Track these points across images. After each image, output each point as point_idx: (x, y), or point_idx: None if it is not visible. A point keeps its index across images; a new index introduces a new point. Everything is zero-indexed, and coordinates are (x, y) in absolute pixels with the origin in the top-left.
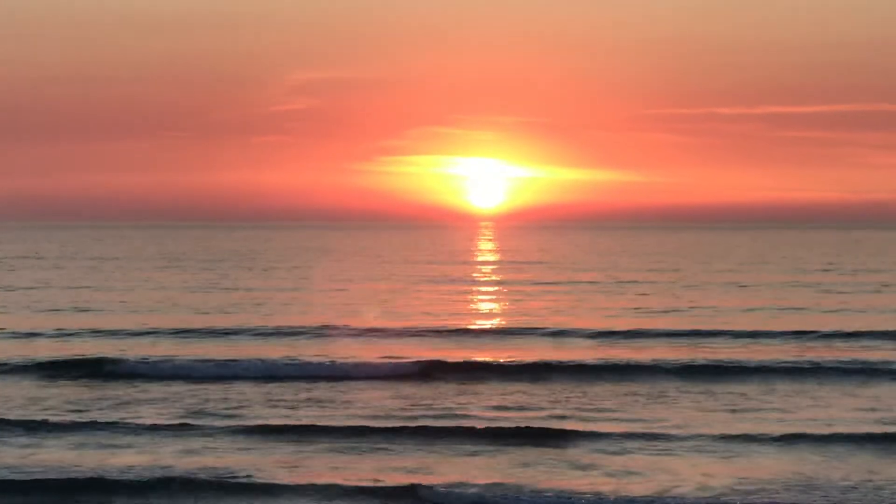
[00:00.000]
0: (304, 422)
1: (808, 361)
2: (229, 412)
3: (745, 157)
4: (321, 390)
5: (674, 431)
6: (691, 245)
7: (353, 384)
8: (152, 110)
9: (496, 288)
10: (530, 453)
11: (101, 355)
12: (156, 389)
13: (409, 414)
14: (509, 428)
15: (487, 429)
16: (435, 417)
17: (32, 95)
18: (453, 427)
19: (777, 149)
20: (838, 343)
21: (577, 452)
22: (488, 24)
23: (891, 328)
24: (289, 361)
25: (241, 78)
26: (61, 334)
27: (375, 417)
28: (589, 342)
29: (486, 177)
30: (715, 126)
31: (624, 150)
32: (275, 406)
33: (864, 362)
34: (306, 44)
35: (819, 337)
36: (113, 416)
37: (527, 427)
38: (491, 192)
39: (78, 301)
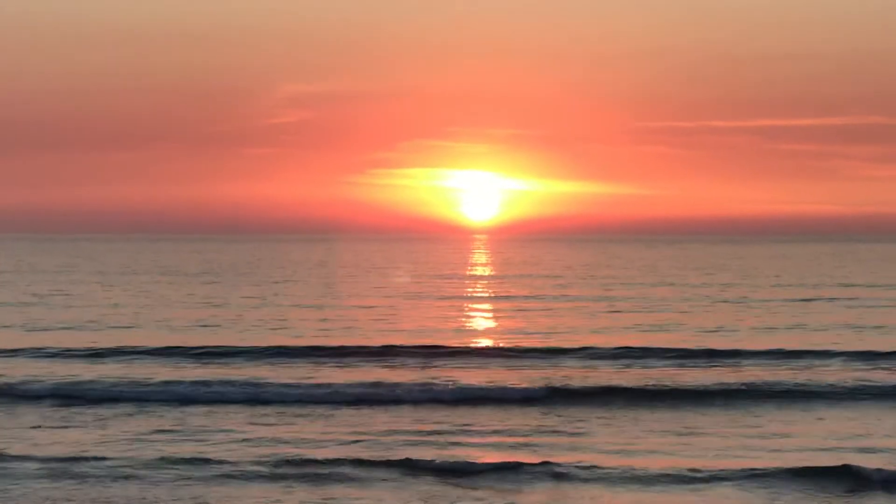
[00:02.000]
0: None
1: (791, 383)
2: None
3: (739, 169)
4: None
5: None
6: (688, 259)
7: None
8: (144, 122)
9: (497, 304)
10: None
11: None
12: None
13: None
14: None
15: (407, 460)
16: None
17: (25, 108)
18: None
19: (771, 161)
20: (819, 364)
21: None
22: (481, 36)
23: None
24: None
25: (234, 90)
26: None
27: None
28: (595, 363)
29: (479, 189)
30: (709, 139)
31: (618, 163)
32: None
33: (867, 383)
34: (299, 56)
35: (797, 356)
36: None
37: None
38: (485, 205)
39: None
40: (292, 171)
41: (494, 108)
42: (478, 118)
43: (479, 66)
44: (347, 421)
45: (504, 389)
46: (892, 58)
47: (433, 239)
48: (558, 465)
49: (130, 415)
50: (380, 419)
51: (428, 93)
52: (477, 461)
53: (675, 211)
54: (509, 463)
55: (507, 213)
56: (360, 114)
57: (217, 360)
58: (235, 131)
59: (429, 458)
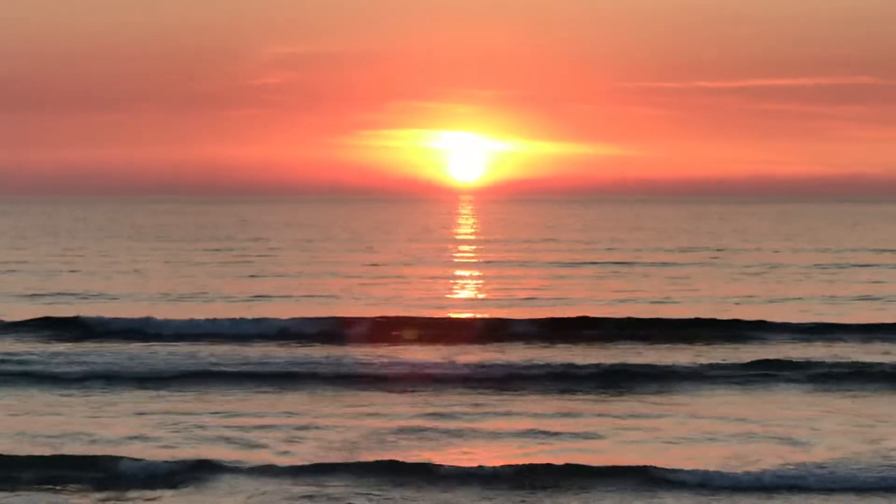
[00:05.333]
0: None
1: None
2: None
3: (725, 130)
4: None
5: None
6: (674, 219)
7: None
8: (128, 83)
9: (485, 270)
10: None
11: None
12: None
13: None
14: None
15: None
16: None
17: (6, 68)
18: None
19: (757, 122)
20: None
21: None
22: None
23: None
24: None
25: (218, 51)
26: None
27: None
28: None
29: (465, 150)
30: (696, 99)
31: (604, 124)
32: None
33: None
34: (284, 16)
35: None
36: None
37: None
38: (470, 166)
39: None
40: (277, 132)
41: (480, 68)
42: (463, 79)
43: (464, 27)
44: None
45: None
46: (879, 18)
47: (420, 200)
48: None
49: None
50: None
51: (413, 53)
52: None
53: (660, 172)
54: None
55: (492, 174)
56: (345, 75)
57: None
58: (220, 92)
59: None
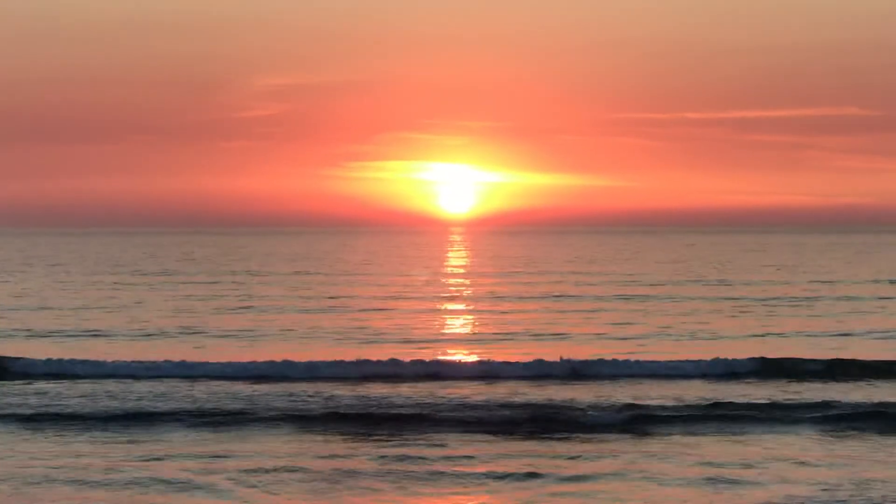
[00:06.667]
0: None
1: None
2: None
3: (714, 161)
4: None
5: None
6: (665, 250)
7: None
8: (119, 114)
9: (475, 303)
10: None
11: None
12: None
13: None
14: None
15: None
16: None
17: (2, 100)
18: None
19: (745, 153)
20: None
21: None
22: (457, 29)
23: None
24: None
25: (209, 83)
26: None
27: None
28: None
29: (456, 182)
30: (684, 130)
31: (593, 155)
32: None
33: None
34: (275, 48)
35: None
36: None
37: None
38: (461, 198)
39: None
40: (268, 164)
41: (470, 99)
42: (453, 110)
43: (454, 58)
44: None
45: None
46: (865, 49)
47: (411, 232)
48: None
49: None
50: None
51: (403, 85)
52: None
53: (649, 202)
54: None
55: (482, 205)
56: (335, 106)
57: None
58: (210, 124)
59: None
